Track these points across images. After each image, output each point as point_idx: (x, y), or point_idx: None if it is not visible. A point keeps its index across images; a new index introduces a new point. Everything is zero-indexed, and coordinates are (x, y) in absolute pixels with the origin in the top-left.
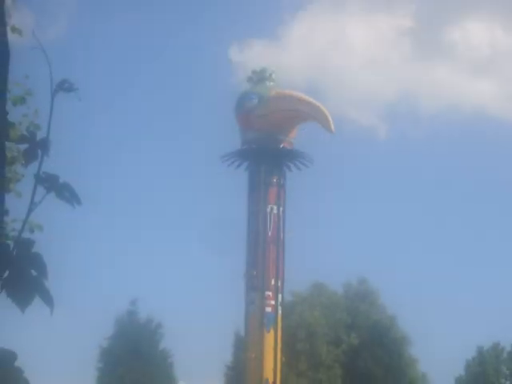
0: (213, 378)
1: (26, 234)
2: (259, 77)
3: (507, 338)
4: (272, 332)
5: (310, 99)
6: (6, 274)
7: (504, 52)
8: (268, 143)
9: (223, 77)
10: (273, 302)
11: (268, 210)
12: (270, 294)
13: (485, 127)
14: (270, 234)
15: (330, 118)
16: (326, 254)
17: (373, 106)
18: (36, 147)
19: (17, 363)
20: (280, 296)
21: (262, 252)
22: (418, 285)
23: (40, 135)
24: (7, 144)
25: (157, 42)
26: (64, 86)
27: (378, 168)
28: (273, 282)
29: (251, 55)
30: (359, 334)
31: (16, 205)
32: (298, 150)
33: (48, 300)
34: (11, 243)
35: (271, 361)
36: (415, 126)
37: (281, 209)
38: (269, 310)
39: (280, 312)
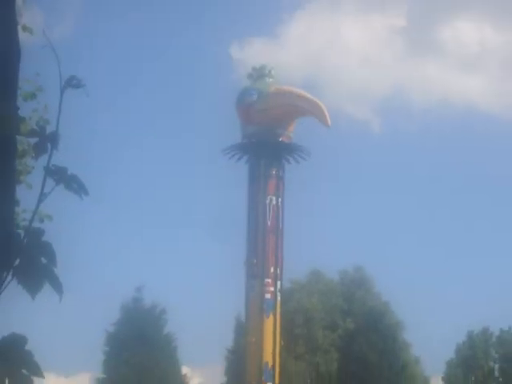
0: (214, 361)
1: (36, 224)
2: (259, 73)
3: (496, 322)
4: (271, 317)
5: (308, 95)
6: (17, 261)
7: (492, 50)
8: (267, 137)
9: (224, 74)
10: (272, 289)
11: (267, 201)
12: (270, 281)
13: (474, 121)
14: (269, 223)
15: (327, 113)
16: (323, 242)
17: (367, 101)
18: (45, 141)
19: (27, 347)
20: (279, 283)
21: (262, 241)
22: (411, 273)
23: (49, 129)
24: (18, 138)
25: (159, 40)
26: (72, 83)
27: (372, 160)
28: (272, 269)
29: (251, 53)
30: (355, 319)
31: (26, 196)
32: (296, 143)
33: (57, 287)
34: (22, 232)
35: (270, 345)
36: (408, 120)
37: (280, 200)
38: (268, 296)
39: (279, 298)
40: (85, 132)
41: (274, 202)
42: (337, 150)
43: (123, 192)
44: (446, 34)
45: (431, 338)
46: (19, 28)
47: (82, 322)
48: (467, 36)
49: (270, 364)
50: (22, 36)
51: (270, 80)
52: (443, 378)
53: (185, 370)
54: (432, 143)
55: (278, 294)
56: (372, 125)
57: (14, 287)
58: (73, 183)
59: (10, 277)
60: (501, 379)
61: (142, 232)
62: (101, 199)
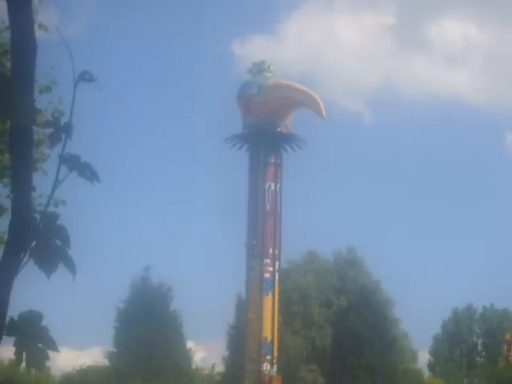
0: (217, 336)
1: (52, 208)
2: (259, 68)
3: (479, 300)
4: (270, 295)
5: (304, 88)
6: (34, 243)
7: (476, 46)
8: (267, 127)
9: (226, 69)
10: (271, 269)
11: (266, 186)
12: (269, 261)
13: (459, 113)
14: (268, 208)
15: (322, 105)
16: (317, 225)
17: (359, 95)
18: (60, 131)
19: (43, 323)
20: (277, 263)
21: (261, 224)
22: (401, 253)
23: (63, 120)
24: (34, 128)
25: (166, 39)
26: (85, 77)
27: (363, 149)
28: (271, 250)
29: (251, 49)
30: (347, 297)
31: (42, 182)
32: (293, 133)
33: (71, 267)
34: (38, 216)
35: (269, 321)
36: (397, 112)
37: (278, 186)
38: (267, 275)
39: (277, 277)
40: (97, 122)
41: (273, 187)
42: (331, 139)
43: (132, 178)
44: (433, 32)
45: (419, 314)
46: (35, 26)
47: (94, 300)
48: (453, 33)
49: (269, 339)
50: (38, 33)
51: (269, 74)
52: (430, 352)
53: (189, 344)
54: (419, 133)
55: (277, 273)
56: (364, 116)
57: (30, 267)
58: (85, 170)
59: (26, 258)
60: (484, 353)
61: (150, 216)
62: (111, 185)
